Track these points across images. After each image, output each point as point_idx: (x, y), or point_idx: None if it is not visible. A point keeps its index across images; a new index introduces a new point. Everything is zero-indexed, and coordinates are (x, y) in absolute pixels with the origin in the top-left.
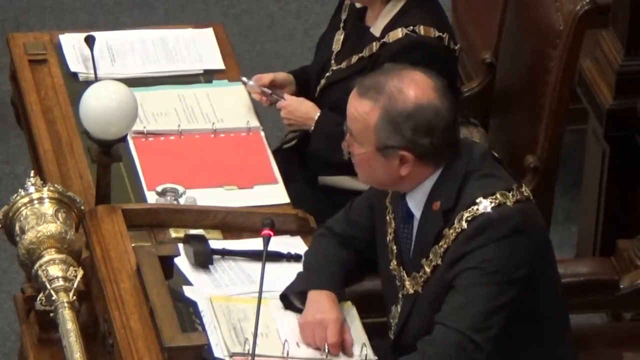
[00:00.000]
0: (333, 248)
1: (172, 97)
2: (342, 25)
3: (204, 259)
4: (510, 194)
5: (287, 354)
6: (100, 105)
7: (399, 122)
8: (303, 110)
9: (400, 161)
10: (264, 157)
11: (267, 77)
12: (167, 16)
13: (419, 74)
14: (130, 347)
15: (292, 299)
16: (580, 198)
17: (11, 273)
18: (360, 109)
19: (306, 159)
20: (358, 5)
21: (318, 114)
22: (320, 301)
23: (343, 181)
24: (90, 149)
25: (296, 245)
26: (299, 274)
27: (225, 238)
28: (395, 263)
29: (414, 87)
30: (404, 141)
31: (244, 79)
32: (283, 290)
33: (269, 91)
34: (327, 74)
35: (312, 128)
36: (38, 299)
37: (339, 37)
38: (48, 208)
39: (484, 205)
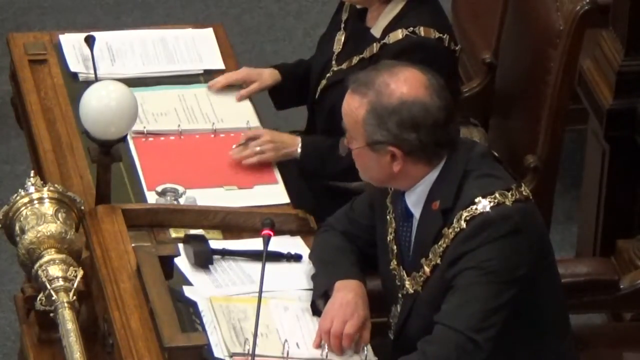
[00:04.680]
0: (340, 240)
1: (172, 97)
2: (342, 25)
3: (204, 259)
4: (510, 194)
5: (287, 354)
6: (100, 105)
7: (384, 116)
8: (285, 136)
9: (392, 157)
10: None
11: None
12: (167, 16)
13: (412, 70)
14: (130, 347)
15: (319, 304)
16: (580, 198)
17: (11, 273)
18: (352, 103)
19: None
20: (358, 6)
21: (300, 138)
22: (350, 290)
23: None
24: (90, 149)
25: (296, 245)
26: (314, 276)
27: (225, 238)
28: (395, 263)
29: (402, 83)
30: (390, 136)
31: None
32: (312, 299)
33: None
34: (328, 75)
35: (299, 150)
36: (38, 299)
37: (340, 37)
38: (48, 208)
39: (483, 204)
